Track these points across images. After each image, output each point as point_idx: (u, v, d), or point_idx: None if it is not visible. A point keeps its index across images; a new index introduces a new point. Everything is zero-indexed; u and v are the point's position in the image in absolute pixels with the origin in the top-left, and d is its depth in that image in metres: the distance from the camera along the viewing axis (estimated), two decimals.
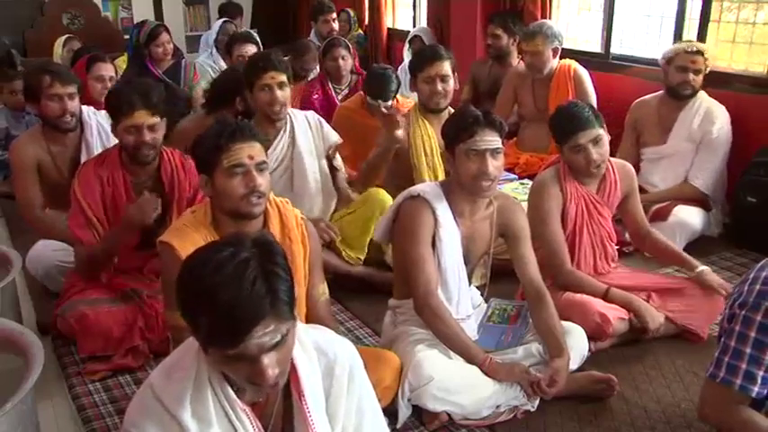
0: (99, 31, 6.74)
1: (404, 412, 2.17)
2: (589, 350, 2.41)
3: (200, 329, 1.27)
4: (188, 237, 1.97)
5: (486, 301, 2.58)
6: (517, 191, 3.53)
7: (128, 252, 2.64)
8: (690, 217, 3.39)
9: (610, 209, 2.76)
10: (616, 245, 2.87)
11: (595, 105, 3.95)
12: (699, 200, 3.49)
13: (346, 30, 6.32)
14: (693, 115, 3.50)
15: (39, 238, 3.07)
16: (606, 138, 2.62)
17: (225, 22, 5.82)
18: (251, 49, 4.57)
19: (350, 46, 4.67)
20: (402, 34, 6.07)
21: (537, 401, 2.22)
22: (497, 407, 2.19)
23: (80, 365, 2.55)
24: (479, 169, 2.21)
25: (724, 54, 3.98)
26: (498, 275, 2.59)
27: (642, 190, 3.47)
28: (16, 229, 3.80)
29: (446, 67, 3.17)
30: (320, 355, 1.49)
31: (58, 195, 3.03)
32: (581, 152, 2.58)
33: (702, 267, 2.69)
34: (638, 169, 3.65)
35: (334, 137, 3.30)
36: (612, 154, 3.27)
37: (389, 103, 3.82)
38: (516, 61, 4.57)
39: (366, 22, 6.64)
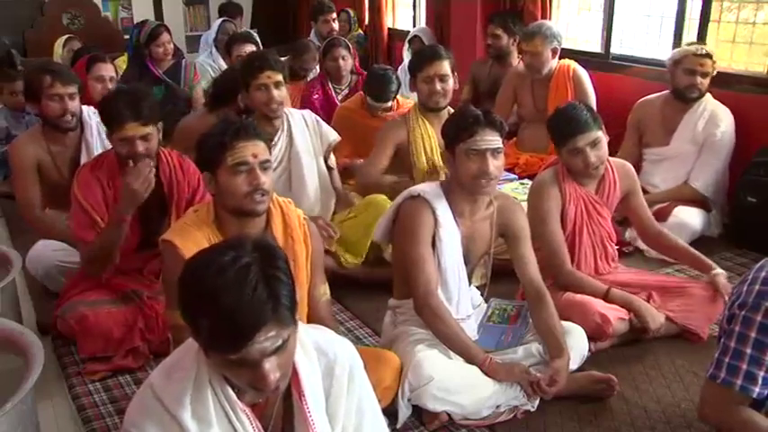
0: (99, 31, 6.74)
1: (404, 412, 2.17)
2: (589, 350, 2.41)
3: (201, 333, 1.27)
4: (190, 235, 1.97)
5: (486, 301, 2.58)
6: (517, 191, 3.53)
7: (128, 253, 2.64)
8: (690, 218, 3.39)
9: (609, 209, 2.76)
10: (616, 245, 2.87)
11: (595, 105, 3.97)
12: (699, 201, 3.49)
13: (346, 30, 6.32)
14: (698, 117, 3.49)
15: (39, 238, 3.07)
16: (604, 140, 2.62)
17: (224, 21, 5.82)
18: (250, 50, 4.56)
19: (350, 46, 4.67)
20: (402, 34, 6.07)
21: (537, 401, 2.22)
22: (497, 407, 2.19)
23: (80, 365, 2.55)
24: (480, 169, 2.21)
25: (724, 54, 3.98)
26: (498, 275, 2.59)
27: (643, 190, 3.47)
28: (16, 229, 3.80)
29: (445, 66, 3.17)
30: (320, 355, 1.49)
31: (59, 196, 3.03)
32: (579, 155, 2.58)
33: (718, 270, 2.67)
34: (639, 169, 3.65)
35: (333, 135, 3.31)
36: (613, 154, 3.28)
37: (390, 103, 3.83)
38: (516, 61, 4.57)
39: (366, 22, 6.64)
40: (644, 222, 2.86)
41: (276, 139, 3.11)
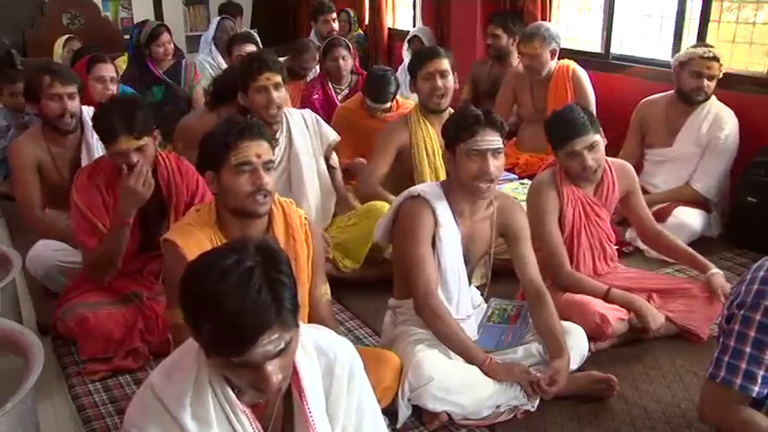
0: (99, 31, 6.74)
1: (404, 412, 2.17)
2: (589, 350, 2.41)
3: (203, 336, 1.27)
4: (192, 235, 1.97)
5: (486, 301, 2.58)
6: (517, 191, 3.53)
7: (128, 255, 2.63)
8: (690, 218, 3.38)
9: (608, 210, 2.76)
10: (615, 245, 2.87)
11: (594, 105, 3.98)
12: (699, 202, 3.48)
13: (346, 30, 6.32)
14: (702, 120, 3.47)
15: (39, 238, 3.07)
16: (602, 143, 2.62)
17: (223, 18, 5.82)
18: (251, 50, 4.56)
19: (350, 46, 4.67)
20: (402, 34, 6.07)
21: (537, 401, 2.22)
22: (497, 407, 2.19)
23: (80, 365, 2.55)
24: (480, 169, 2.21)
25: (724, 54, 3.96)
26: (498, 275, 2.59)
27: (644, 190, 3.46)
28: (16, 229, 3.80)
29: (445, 63, 3.18)
30: (320, 354, 1.49)
31: (59, 197, 3.03)
32: (577, 158, 2.58)
33: (714, 270, 2.68)
34: (640, 169, 3.65)
35: (333, 135, 3.30)
36: (614, 153, 3.29)
37: (389, 104, 3.82)
38: (516, 61, 4.58)
39: (366, 22, 6.64)
40: (643, 222, 2.86)
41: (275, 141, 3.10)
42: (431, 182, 2.76)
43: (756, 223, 3.39)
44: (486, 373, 2.18)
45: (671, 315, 2.61)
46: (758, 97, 3.62)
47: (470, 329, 2.38)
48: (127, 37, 5.82)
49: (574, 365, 2.31)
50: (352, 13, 6.51)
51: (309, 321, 2.04)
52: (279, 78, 2.97)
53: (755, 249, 3.34)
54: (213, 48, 5.58)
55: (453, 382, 2.14)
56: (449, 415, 2.19)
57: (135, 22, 6.36)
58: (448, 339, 2.22)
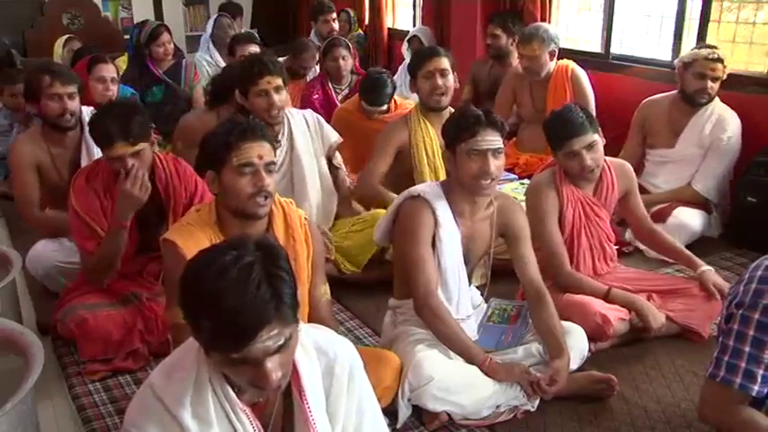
0: (99, 31, 6.73)
1: (404, 412, 2.17)
2: (589, 350, 2.41)
3: (203, 333, 1.27)
4: (192, 235, 1.96)
5: (486, 301, 2.58)
6: (517, 191, 3.53)
7: (127, 257, 2.63)
8: (690, 219, 3.38)
9: (607, 210, 2.76)
10: (615, 245, 2.87)
11: (593, 105, 3.98)
12: (700, 203, 3.48)
13: (346, 30, 6.32)
14: (705, 121, 3.46)
15: (39, 238, 3.07)
16: (601, 143, 2.62)
17: (219, 15, 5.82)
18: (254, 50, 4.57)
19: (350, 46, 4.67)
20: (402, 34, 6.07)
21: (537, 401, 2.22)
22: (497, 407, 2.19)
23: (80, 365, 2.55)
24: (481, 169, 2.21)
25: (724, 54, 3.99)
26: (498, 275, 2.60)
27: (645, 190, 3.47)
28: (16, 229, 3.80)
29: (445, 62, 3.18)
30: (320, 354, 1.49)
31: (58, 197, 3.02)
32: (575, 158, 2.58)
33: (705, 268, 2.69)
34: (641, 169, 3.65)
35: (334, 136, 3.29)
36: (614, 154, 3.29)
37: (385, 107, 3.82)
38: (516, 61, 4.57)
39: (366, 22, 6.64)
40: (639, 221, 2.87)
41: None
42: (431, 182, 2.75)
43: (756, 223, 3.39)
44: (486, 373, 2.18)
45: (671, 314, 2.61)
46: (758, 97, 3.62)
47: (470, 329, 2.38)
48: (127, 37, 5.82)
49: (574, 365, 2.31)
50: (352, 13, 6.51)
51: (309, 321, 2.04)
52: (280, 81, 2.95)
53: (755, 249, 3.34)
54: (211, 45, 5.58)
55: (453, 382, 2.14)
56: (449, 415, 2.19)
57: (135, 22, 6.36)
58: (448, 339, 2.22)
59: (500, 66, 4.70)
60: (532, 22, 4.51)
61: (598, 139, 2.61)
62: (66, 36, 5.78)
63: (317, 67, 4.99)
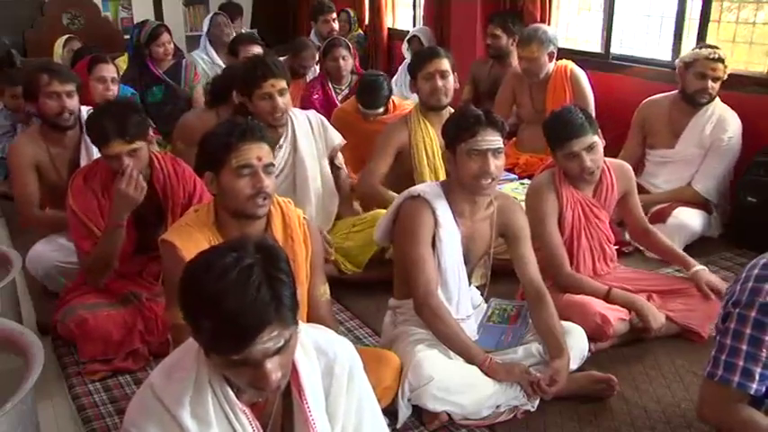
0: (99, 31, 6.73)
1: (404, 412, 2.17)
2: (589, 350, 2.41)
3: (203, 334, 1.27)
4: (191, 236, 1.96)
5: (486, 301, 2.58)
6: (517, 191, 3.53)
7: (126, 257, 2.64)
8: (690, 219, 3.38)
9: (607, 211, 2.76)
10: (615, 245, 2.87)
11: (593, 105, 3.98)
12: (700, 203, 3.48)
13: (346, 30, 6.32)
14: (706, 122, 3.46)
15: (39, 237, 3.07)
16: (600, 145, 2.62)
17: (215, 14, 5.83)
18: (256, 51, 4.57)
19: (350, 46, 4.67)
20: (402, 34, 6.07)
21: (537, 401, 2.22)
22: (497, 407, 2.19)
23: (80, 365, 2.55)
24: (481, 169, 2.21)
25: (725, 54, 3.99)
26: (498, 275, 2.60)
27: (645, 190, 3.47)
28: (16, 229, 3.80)
29: (445, 63, 3.18)
30: (320, 354, 1.49)
31: (57, 197, 3.02)
32: (575, 159, 2.58)
33: (698, 267, 2.70)
34: (641, 169, 3.65)
35: (338, 138, 3.27)
36: (614, 154, 3.29)
37: (381, 109, 3.82)
38: (516, 61, 4.57)
39: (366, 22, 6.64)
40: (636, 221, 2.88)
41: (278, 146, 3.04)
42: (431, 182, 2.75)
43: (756, 223, 3.38)
44: (486, 374, 2.18)
45: (671, 314, 2.61)
46: (758, 97, 3.62)
47: (470, 329, 2.38)
48: (127, 37, 5.83)
49: (574, 365, 2.31)
50: (352, 13, 6.51)
51: (309, 321, 2.04)
52: (283, 84, 2.93)
53: (755, 249, 3.31)
54: (207, 43, 5.60)
55: (453, 382, 2.14)
56: (449, 415, 2.19)
57: (135, 22, 6.36)
58: (448, 339, 2.22)
59: (500, 66, 4.70)
60: (532, 22, 4.51)
61: (598, 140, 2.60)
62: (66, 36, 5.78)
63: (317, 67, 4.99)
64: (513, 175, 3.93)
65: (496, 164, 2.22)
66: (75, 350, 2.60)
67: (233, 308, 1.21)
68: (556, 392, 2.18)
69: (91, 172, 2.65)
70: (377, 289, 2.87)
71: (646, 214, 2.98)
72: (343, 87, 4.61)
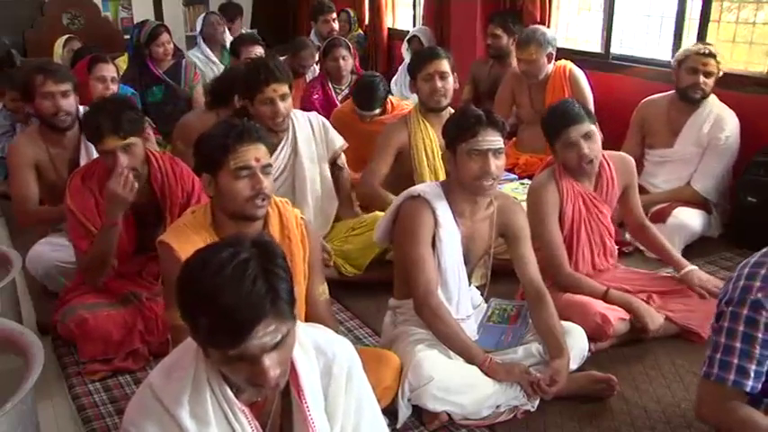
0: (99, 31, 6.73)
1: (404, 412, 2.17)
2: (589, 350, 2.41)
3: (200, 330, 1.27)
4: (188, 238, 1.96)
5: (486, 301, 2.58)
6: (517, 191, 3.53)
7: (125, 256, 2.64)
8: (690, 219, 3.37)
9: (609, 205, 2.76)
10: (615, 245, 2.87)
11: (592, 105, 3.98)
12: (699, 203, 3.48)
13: (346, 30, 6.32)
14: (703, 120, 3.47)
15: (38, 237, 3.07)
16: (598, 135, 2.62)
17: (208, 13, 5.85)
18: (259, 52, 4.57)
19: (350, 46, 4.67)
20: (402, 34, 6.07)
21: (537, 401, 2.22)
22: (497, 407, 2.19)
23: (80, 365, 2.55)
24: (482, 169, 2.21)
25: (724, 54, 3.97)
26: (498, 275, 2.59)
27: (644, 190, 3.47)
28: (16, 229, 3.79)
29: (444, 64, 3.18)
30: (319, 354, 1.49)
31: (57, 196, 3.02)
32: (573, 148, 2.58)
33: (690, 268, 2.70)
34: (641, 168, 3.65)
35: (339, 141, 3.26)
36: None
37: (377, 110, 3.81)
38: (516, 61, 4.57)
39: (366, 22, 6.64)
40: (634, 215, 2.88)
41: (280, 148, 3.05)
42: (431, 182, 2.75)
43: (756, 223, 3.38)
44: (486, 373, 2.18)
45: (671, 315, 2.61)
46: (758, 97, 3.62)
47: (470, 329, 2.38)
48: (127, 37, 5.84)
49: (574, 365, 2.31)
50: (352, 13, 6.51)
51: (308, 321, 2.04)
52: (286, 88, 2.91)
53: (755, 249, 3.26)
54: (202, 43, 5.64)
55: (453, 382, 2.14)
56: (449, 415, 2.19)
57: (135, 22, 6.36)
58: (448, 339, 2.22)
59: (500, 66, 4.70)
60: (532, 23, 4.51)
61: (595, 129, 2.61)
62: (67, 36, 5.78)
63: (317, 67, 4.99)
64: (513, 175, 3.93)
65: (497, 164, 2.22)
66: (75, 350, 2.60)
67: (229, 301, 1.21)
68: (556, 392, 2.18)
69: (89, 171, 2.65)
70: (377, 289, 2.87)
71: (646, 214, 2.98)
72: (344, 87, 4.62)
